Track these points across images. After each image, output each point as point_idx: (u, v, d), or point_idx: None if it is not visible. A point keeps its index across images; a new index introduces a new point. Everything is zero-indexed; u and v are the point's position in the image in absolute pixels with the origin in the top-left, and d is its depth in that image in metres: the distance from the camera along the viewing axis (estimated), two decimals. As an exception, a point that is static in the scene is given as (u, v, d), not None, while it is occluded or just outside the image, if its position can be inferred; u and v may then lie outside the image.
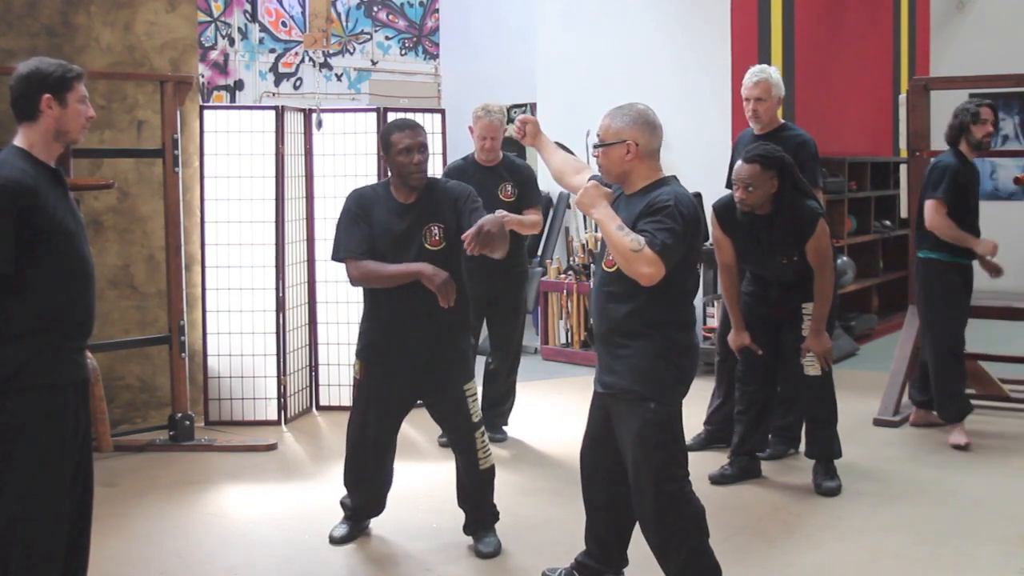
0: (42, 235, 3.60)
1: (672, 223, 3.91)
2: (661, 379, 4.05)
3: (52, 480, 3.68)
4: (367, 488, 5.12)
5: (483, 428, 4.99)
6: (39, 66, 3.73)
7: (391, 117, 7.59)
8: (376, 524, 5.31)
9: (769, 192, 5.48)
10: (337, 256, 4.95)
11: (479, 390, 5.35)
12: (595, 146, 4.19)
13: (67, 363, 3.73)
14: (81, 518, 3.89)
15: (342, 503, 5.21)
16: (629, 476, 4.10)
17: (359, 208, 4.90)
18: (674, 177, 4.18)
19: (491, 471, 4.98)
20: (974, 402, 7.50)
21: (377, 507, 5.19)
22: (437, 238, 4.81)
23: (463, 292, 4.88)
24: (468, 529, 5.06)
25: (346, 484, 5.15)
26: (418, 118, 7.64)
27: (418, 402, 5.09)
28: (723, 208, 5.74)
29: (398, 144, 4.82)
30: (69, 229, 3.70)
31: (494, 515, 5.05)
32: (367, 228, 4.84)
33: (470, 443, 4.93)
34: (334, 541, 5.09)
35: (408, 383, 4.94)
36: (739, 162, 5.58)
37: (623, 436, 4.09)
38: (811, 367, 5.70)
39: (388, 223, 4.83)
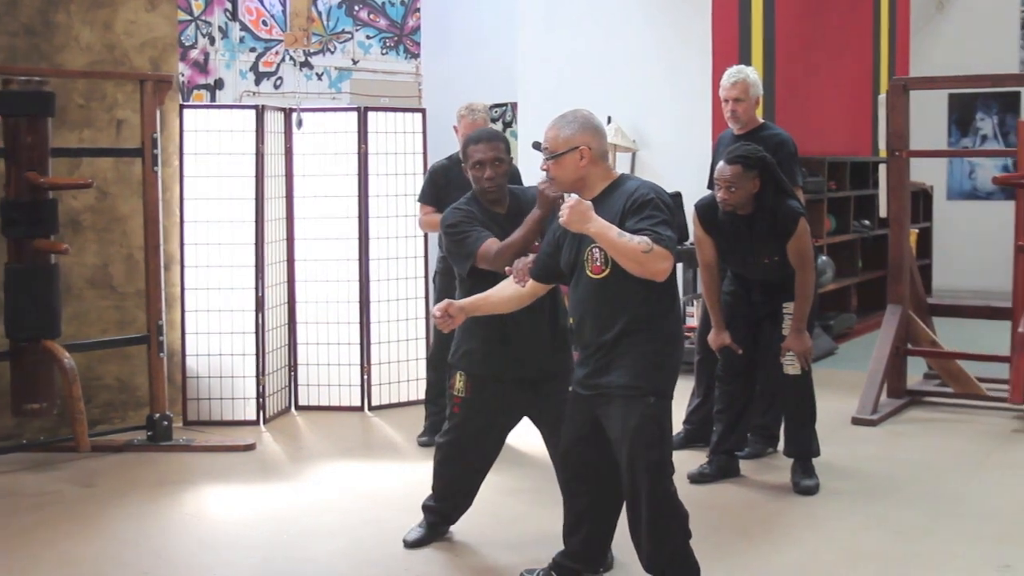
0: None
1: (662, 214, 3.95)
2: (659, 372, 4.07)
3: None
4: (463, 499, 5.03)
5: None
6: None
7: (371, 116, 7.62)
8: (351, 524, 5.31)
9: (751, 192, 5.49)
10: (476, 246, 4.61)
11: None
12: (546, 159, 4.18)
13: None
14: None
15: (425, 507, 5.08)
16: (623, 475, 4.10)
17: (468, 219, 4.72)
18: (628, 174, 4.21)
19: None
20: (952, 400, 7.56)
21: (459, 516, 5.08)
22: (536, 245, 4.58)
23: (562, 303, 4.78)
24: None
25: (436, 493, 5.03)
26: (399, 117, 7.75)
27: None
28: (705, 208, 5.74)
29: (472, 157, 4.75)
30: None
31: None
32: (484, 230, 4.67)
33: None
34: (408, 544, 4.99)
35: (519, 398, 4.79)
36: (721, 163, 5.59)
37: (617, 435, 4.08)
38: (791, 366, 5.71)
39: (492, 234, 4.67)
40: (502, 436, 4.96)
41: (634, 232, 3.87)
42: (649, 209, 3.95)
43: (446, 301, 4.47)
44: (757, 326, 5.84)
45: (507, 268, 4.49)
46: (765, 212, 5.54)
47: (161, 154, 6.85)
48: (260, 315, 7.26)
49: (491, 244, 4.59)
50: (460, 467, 4.94)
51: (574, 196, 4.01)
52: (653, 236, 3.85)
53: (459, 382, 4.82)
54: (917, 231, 11.27)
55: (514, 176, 6.56)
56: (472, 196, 4.86)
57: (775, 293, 5.73)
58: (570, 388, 4.34)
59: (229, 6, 10.55)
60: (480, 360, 4.74)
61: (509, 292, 4.46)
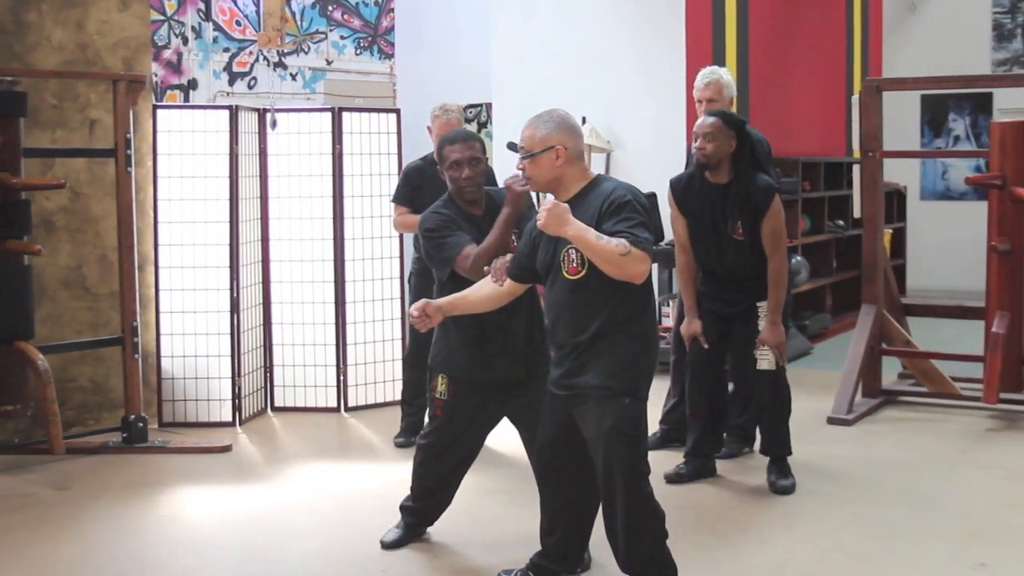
0: None
1: (639, 216, 3.95)
2: (634, 373, 4.07)
3: None
4: (441, 500, 5.02)
5: None
6: None
7: (346, 117, 7.61)
8: (328, 525, 5.30)
9: (727, 152, 5.51)
10: (455, 252, 4.61)
11: None
12: (522, 158, 4.18)
13: None
14: None
15: (403, 507, 5.07)
16: (598, 475, 4.10)
17: (446, 223, 4.70)
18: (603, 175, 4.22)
19: None
20: (927, 400, 7.60)
21: (437, 516, 5.08)
22: (515, 245, 4.57)
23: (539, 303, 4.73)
24: None
25: (415, 493, 5.01)
26: (373, 118, 7.73)
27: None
28: (680, 182, 5.77)
29: (448, 158, 4.73)
30: None
31: None
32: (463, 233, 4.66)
33: None
34: (386, 545, 4.98)
35: (500, 401, 4.78)
36: (701, 117, 5.61)
37: (592, 435, 4.08)
38: (765, 361, 5.69)
39: (470, 236, 4.67)
40: (482, 437, 4.96)
41: (611, 234, 3.88)
42: (626, 211, 3.96)
43: (423, 300, 4.45)
44: (729, 324, 5.82)
45: (486, 267, 4.48)
46: (739, 183, 5.54)
47: (134, 154, 6.81)
48: (235, 316, 7.23)
49: (468, 252, 4.57)
50: (440, 468, 4.92)
51: (550, 198, 4.01)
52: (631, 238, 3.86)
53: (441, 384, 4.79)
54: (891, 231, 11.34)
55: (489, 177, 6.56)
56: (449, 198, 4.84)
57: (746, 291, 5.71)
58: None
59: (202, 6, 10.52)
60: (462, 363, 4.73)
61: (487, 291, 4.45)
